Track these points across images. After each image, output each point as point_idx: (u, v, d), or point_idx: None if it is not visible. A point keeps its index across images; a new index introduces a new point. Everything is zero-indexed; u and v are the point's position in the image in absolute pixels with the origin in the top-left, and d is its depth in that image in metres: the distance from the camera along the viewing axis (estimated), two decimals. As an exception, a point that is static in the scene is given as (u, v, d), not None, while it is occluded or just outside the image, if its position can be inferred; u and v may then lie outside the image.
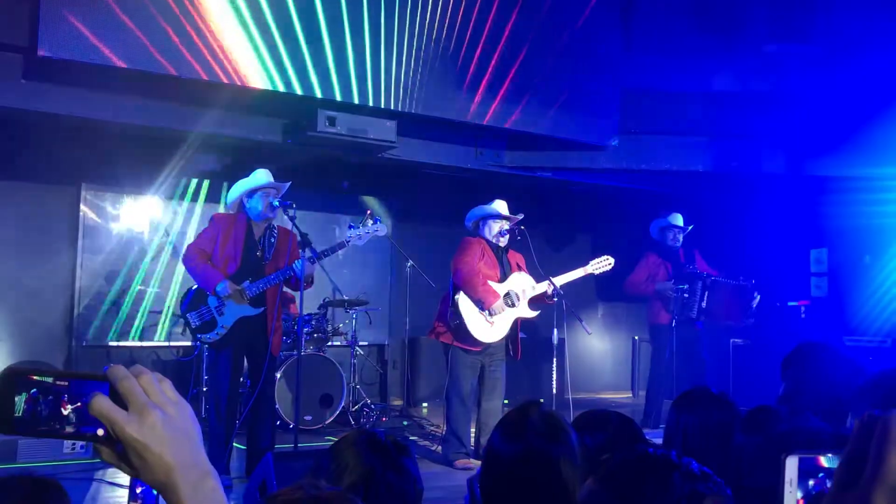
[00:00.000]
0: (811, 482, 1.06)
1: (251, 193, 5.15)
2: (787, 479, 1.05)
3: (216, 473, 0.90)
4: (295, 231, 5.06)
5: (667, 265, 7.16)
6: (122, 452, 0.86)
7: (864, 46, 7.53)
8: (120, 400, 0.86)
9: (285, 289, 5.29)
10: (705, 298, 6.92)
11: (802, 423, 1.51)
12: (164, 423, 0.86)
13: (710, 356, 7.20)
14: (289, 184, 5.27)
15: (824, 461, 1.06)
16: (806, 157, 8.05)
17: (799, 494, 1.08)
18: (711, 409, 2.18)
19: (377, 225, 5.21)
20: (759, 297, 7.00)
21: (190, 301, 5.18)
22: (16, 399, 0.86)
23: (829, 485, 1.07)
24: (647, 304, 7.28)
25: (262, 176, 5.19)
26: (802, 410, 1.75)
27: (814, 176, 8.03)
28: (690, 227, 7.22)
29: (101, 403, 0.85)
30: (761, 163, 8.23)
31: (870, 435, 0.76)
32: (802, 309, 8.39)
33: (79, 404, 0.86)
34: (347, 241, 5.21)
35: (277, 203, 5.10)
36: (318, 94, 6.52)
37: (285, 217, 5.14)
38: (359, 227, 5.20)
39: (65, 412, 0.86)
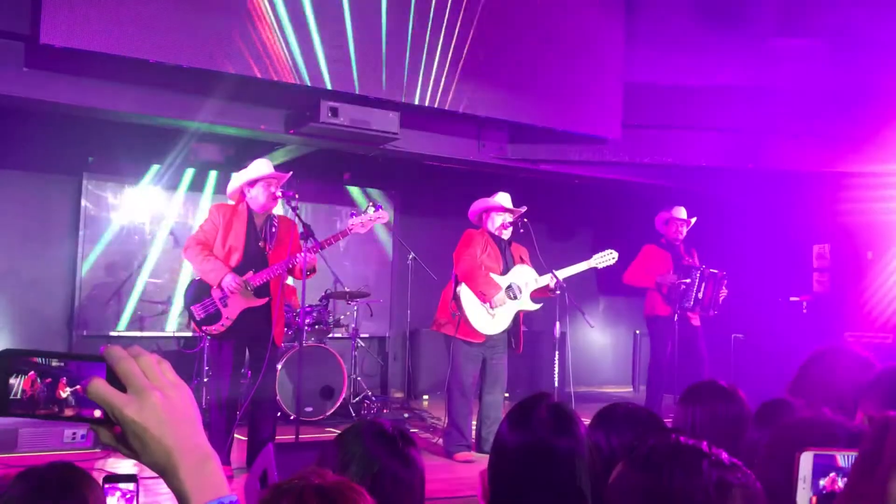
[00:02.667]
0: (823, 481, 1.04)
1: (252, 183, 5.13)
2: (800, 475, 1.03)
3: (216, 456, 0.88)
4: (298, 222, 5.04)
5: (667, 258, 7.17)
6: (122, 435, 0.85)
7: (870, 41, 7.50)
8: (118, 381, 0.85)
9: (288, 280, 5.28)
10: (702, 289, 6.95)
11: (816, 416, 1.50)
12: (164, 406, 0.85)
13: (709, 353, 7.18)
14: (290, 174, 5.25)
15: (839, 459, 1.04)
16: (809, 152, 8.02)
17: (811, 493, 1.05)
18: (720, 401, 2.16)
19: (379, 212, 5.19)
20: (726, 291, 7.03)
21: (193, 293, 5.16)
22: (12, 381, 0.84)
23: (841, 485, 1.05)
24: (645, 296, 7.28)
25: (262, 166, 5.16)
26: (810, 403, 1.74)
27: (817, 171, 8.00)
28: (693, 220, 7.23)
29: (98, 386, 0.83)
30: (764, 157, 8.20)
31: (885, 432, 0.81)
32: (804, 304, 8.38)
33: (77, 387, 0.85)
34: (350, 229, 5.19)
35: (280, 194, 5.08)
36: (321, 85, 6.49)
37: (287, 207, 5.12)
38: (360, 215, 5.18)
39: (63, 395, 0.85)
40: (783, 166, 8.18)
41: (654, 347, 7.27)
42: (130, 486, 1.68)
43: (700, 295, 6.97)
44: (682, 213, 7.24)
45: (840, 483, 1.02)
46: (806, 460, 1.01)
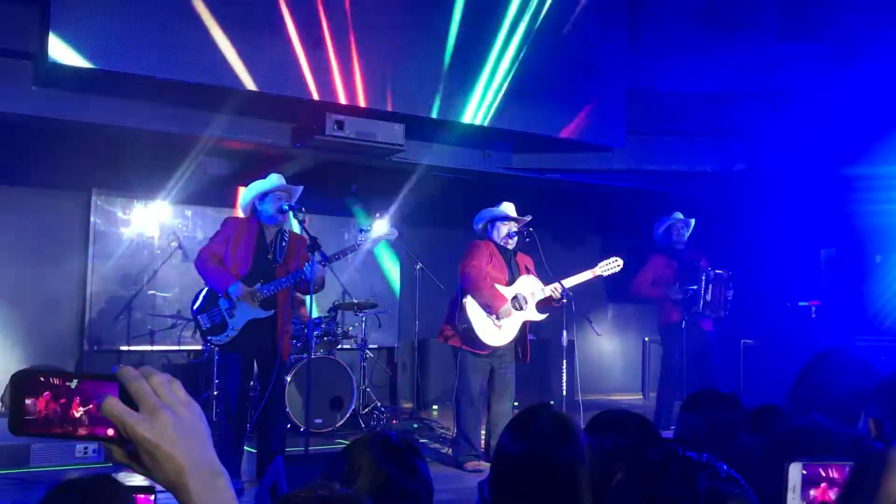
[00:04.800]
0: (813, 492, 1.05)
1: (263, 196, 5.19)
2: (790, 485, 1.04)
3: (226, 473, 0.91)
4: (305, 234, 5.09)
5: (673, 265, 7.15)
6: (134, 452, 0.88)
7: (872, 45, 7.51)
8: (130, 400, 0.87)
9: (297, 294, 5.32)
10: (709, 292, 6.94)
11: (809, 423, 1.51)
12: (175, 424, 0.88)
13: (720, 360, 7.16)
14: (301, 188, 5.29)
15: (828, 470, 1.05)
16: (815, 156, 8.02)
17: (801, 502, 1.07)
18: (721, 409, 2.17)
19: (388, 229, 5.25)
20: (732, 291, 7.03)
21: (201, 303, 5.20)
22: (27, 402, 0.87)
23: (830, 495, 1.07)
24: (658, 305, 7.26)
25: (273, 179, 5.22)
26: (808, 409, 1.74)
27: (824, 175, 8.00)
28: (693, 221, 7.21)
29: (113, 405, 0.86)
30: (770, 162, 8.20)
31: (871, 464, 0.84)
32: (813, 309, 8.35)
33: (90, 406, 0.87)
34: (358, 245, 5.25)
35: (287, 207, 5.13)
36: (327, 99, 6.54)
37: (295, 220, 5.16)
38: (369, 231, 5.24)
39: (77, 414, 0.87)
40: (789, 170, 8.18)
41: (664, 354, 7.26)
42: (150, 497, 1.70)
43: (709, 297, 6.96)
44: (679, 215, 7.23)
45: (830, 494, 1.04)
46: (795, 471, 1.03)
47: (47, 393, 0.87)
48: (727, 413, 2.14)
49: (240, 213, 5.46)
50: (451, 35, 7.08)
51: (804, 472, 1.02)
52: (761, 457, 1.45)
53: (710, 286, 6.97)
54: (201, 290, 5.27)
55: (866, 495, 0.82)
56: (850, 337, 7.55)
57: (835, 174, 7.92)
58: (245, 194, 5.27)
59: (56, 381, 0.87)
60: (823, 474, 1.03)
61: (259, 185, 5.20)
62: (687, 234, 7.19)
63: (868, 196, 7.71)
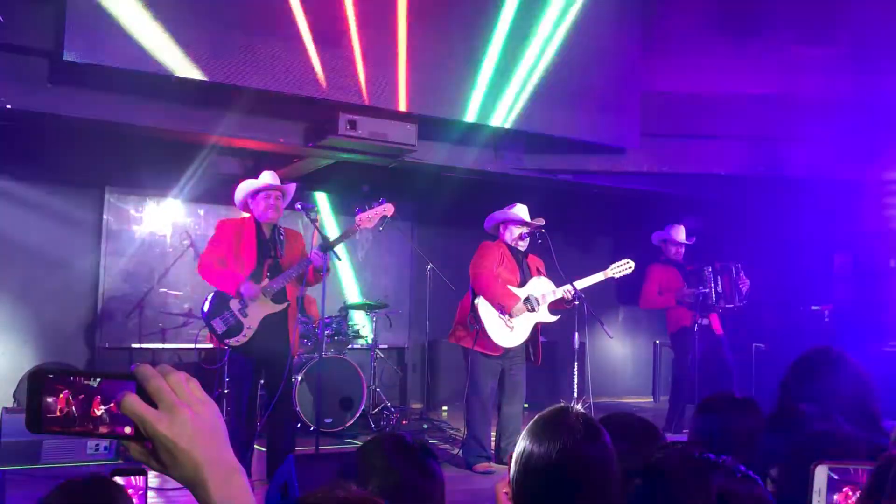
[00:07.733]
0: (836, 496, 1.04)
1: (254, 195, 5.22)
2: (815, 488, 1.03)
3: (243, 470, 0.92)
4: (318, 233, 5.12)
5: (674, 272, 7.12)
6: (152, 450, 0.88)
7: (887, 48, 7.45)
8: (148, 398, 0.88)
9: (307, 292, 5.33)
10: (719, 283, 6.92)
11: (834, 427, 1.49)
12: (193, 421, 0.88)
13: (735, 362, 7.12)
14: (294, 185, 5.32)
15: (853, 473, 1.04)
16: (830, 159, 7.97)
17: None
18: (737, 413, 2.16)
19: (384, 205, 5.28)
20: (748, 281, 6.99)
21: (212, 308, 5.17)
22: (48, 400, 0.87)
23: (855, 499, 1.06)
24: (667, 312, 7.23)
25: (265, 177, 5.25)
26: (832, 413, 1.72)
27: (838, 179, 7.94)
28: (692, 241, 7.20)
29: (132, 402, 0.86)
30: (784, 166, 8.15)
31: (888, 470, 0.84)
32: (826, 313, 8.30)
33: (111, 405, 0.87)
34: (358, 225, 5.27)
35: (300, 206, 5.15)
36: (340, 98, 6.54)
37: (307, 219, 5.18)
38: (366, 210, 5.26)
39: (98, 412, 0.88)
40: (804, 174, 8.13)
41: (677, 358, 7.23)
42: (139, 479, 1.69)
43: (720, 288, 6.94)
44: (680, 235, 7.19)
45: (854, 497, 1.03)
46: (821, 473, 1.02)
47: (66, 391, 0.87)
48: (743, 417, 2.12)
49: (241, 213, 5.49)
50: (462, 36, 7.06)
51: (830, 475, 1.02)
52: (784, 459, 1.43)
53: (719, 277, 6.95)
54: (209, 296, 5.25)
55: (888, 498, 0.81)
56: (863, 342, 7.50)
57: (849, 178, 7.86)
58: (237, 192, 5.32)
59: (74, 380, 0.88)
60: (848, 477, 1.03)
61: (250, 184, 5.24)
62: (682, 253, 7.20)
63: (882, 201, 7.66)
